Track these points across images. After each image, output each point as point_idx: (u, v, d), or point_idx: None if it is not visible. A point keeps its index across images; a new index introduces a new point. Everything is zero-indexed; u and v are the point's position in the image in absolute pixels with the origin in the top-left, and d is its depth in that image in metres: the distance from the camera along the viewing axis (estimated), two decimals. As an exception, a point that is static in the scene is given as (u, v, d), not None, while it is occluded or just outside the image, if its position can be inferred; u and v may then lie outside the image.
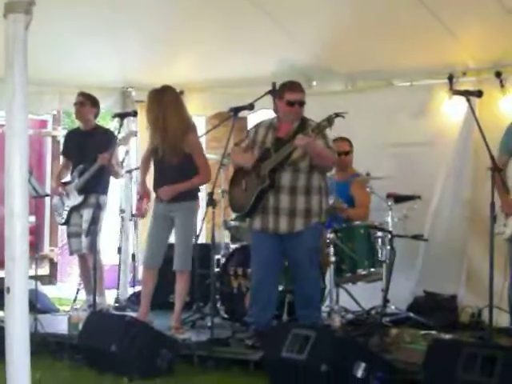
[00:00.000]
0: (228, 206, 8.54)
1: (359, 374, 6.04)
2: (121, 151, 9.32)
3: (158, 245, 8.35)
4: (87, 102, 9.22)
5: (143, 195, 8.50)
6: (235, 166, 7.84)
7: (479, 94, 6.89)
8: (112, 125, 9.30)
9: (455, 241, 9.07)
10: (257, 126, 7.77)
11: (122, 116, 8.46)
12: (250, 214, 7.58)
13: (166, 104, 8.14)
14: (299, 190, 7.40)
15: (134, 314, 8.55)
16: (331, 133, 7.45)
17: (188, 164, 8.11)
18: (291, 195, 7.39)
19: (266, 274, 7.58)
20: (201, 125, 11.40)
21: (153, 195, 8.46)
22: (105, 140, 8.87)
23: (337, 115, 7.05)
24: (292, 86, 7.55)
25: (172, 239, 8.44)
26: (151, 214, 8.54)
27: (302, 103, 7.49)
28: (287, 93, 7.48)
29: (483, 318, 8.20)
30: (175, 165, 8.06)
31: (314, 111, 7.68)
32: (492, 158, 6.53)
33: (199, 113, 11.16)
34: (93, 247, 8.60)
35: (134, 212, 8.97)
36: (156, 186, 8.24)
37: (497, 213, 6.85)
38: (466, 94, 6.91)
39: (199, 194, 8.42)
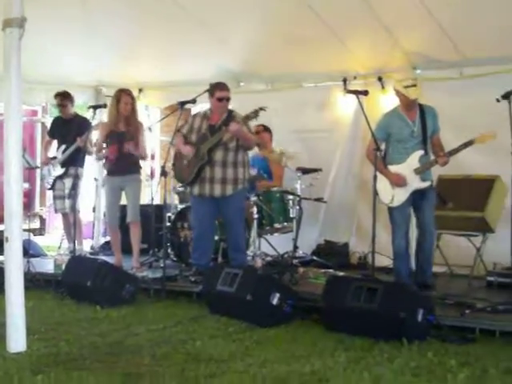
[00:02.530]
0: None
1: (275, 301, 6.10)
2: (94, 135, 9.20)
3: (115, 209, 8.38)
4: (67, 102, 9.12)
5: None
6: (177, 149, 7.79)
7: (366, 93, 6.86)
8: (88, 114, 9.14)
9: (348, 203, 9.15)
10: (194, 116, 7.74)
11: (95, 107, 8.32)
12: (191, 183, 7.54)
13: (134, 101, 8.33)
14: (229, 163, 7.40)
15: (105, 258, 8.51)
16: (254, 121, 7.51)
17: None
18: (223, 167, 7.38)
19: (204, 228, 7.55)
20: (156, 114, 11.33)
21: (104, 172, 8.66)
22: (82, 126, 8.77)
23: (261, 109, 7.11)
24: (221, 86, 7.53)
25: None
26: (106, 187, 8.54)
27: (228, 99, 7.48)
28: (217, 91, 7.46)
29: (368, 260, 8.34)
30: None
31: (242, 105, 7.71)
32: (375, 141, 6.54)
33: (155, 105, 11.09)
34: (73, 207, 8.55)
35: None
36: (115, 158, 8.20)
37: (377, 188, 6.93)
38: (356, 93, 6.87)
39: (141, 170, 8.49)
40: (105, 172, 8.54)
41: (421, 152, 6.77)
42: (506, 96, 6.04)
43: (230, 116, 7.42)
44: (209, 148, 7.36)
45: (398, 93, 6.88)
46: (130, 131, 8.15)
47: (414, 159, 6.77)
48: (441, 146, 6.83)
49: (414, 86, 6.74)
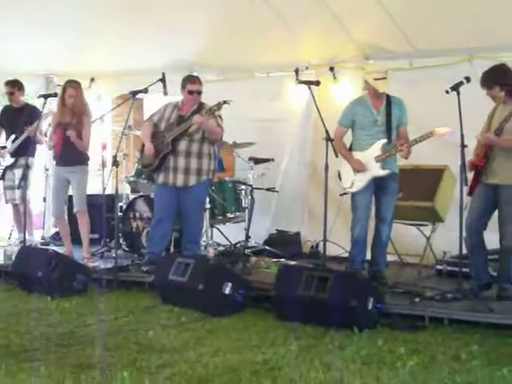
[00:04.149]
0: (128, 166, 8.51)
1: (227, 291, 6.14)
2: (44, 124, 9.06)
3: (61, 199, 8.29)
4: (15, 90, 8.96)
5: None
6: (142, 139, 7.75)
7: (317, 83, 6.91)
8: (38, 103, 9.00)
9: (299, 192, 9.18)
10: (166, 106, 7.72)
11: (45, 96, 8.19)
12: (155, 171, 7.56)
13: (80, 93, 8.15)
14: (193, 154, 7.42)
15: (55, 248, 8.42)
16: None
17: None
18: (186, 158, 7.40)
19: (163, 216, 7.54)
20: (108, 103, 11.22)
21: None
22: (31, 115, 8.65)
23: (224, 102, 7.11)
24: (192, 79, 7.61)
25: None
26: (53, 177, 8.44)
27: (199, 92, 7.52)
28: (188, 84, 7.50)
29: (320, 249, 8.37)
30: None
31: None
32: (326, 131, 6.53)
33: (107, 94, 10.98)
34: (23, 197, 8.46)
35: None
36: (61, 148, 8.10)
37: (341, 173, 6.98)
38: (307, 83, 6.91)
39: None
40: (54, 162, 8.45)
41: (384, 140, 6.80)
42: (454, 88, 6.10)
43: (200, 108, 7.43)
44: (173, 138, 7.38)
45: (366, 84, 6.90)
46: (73, 123, 8.04)
47: (377, 147, 6.80)
48: (406, 139, 6.84)
49: (384, 78, 6.79)
